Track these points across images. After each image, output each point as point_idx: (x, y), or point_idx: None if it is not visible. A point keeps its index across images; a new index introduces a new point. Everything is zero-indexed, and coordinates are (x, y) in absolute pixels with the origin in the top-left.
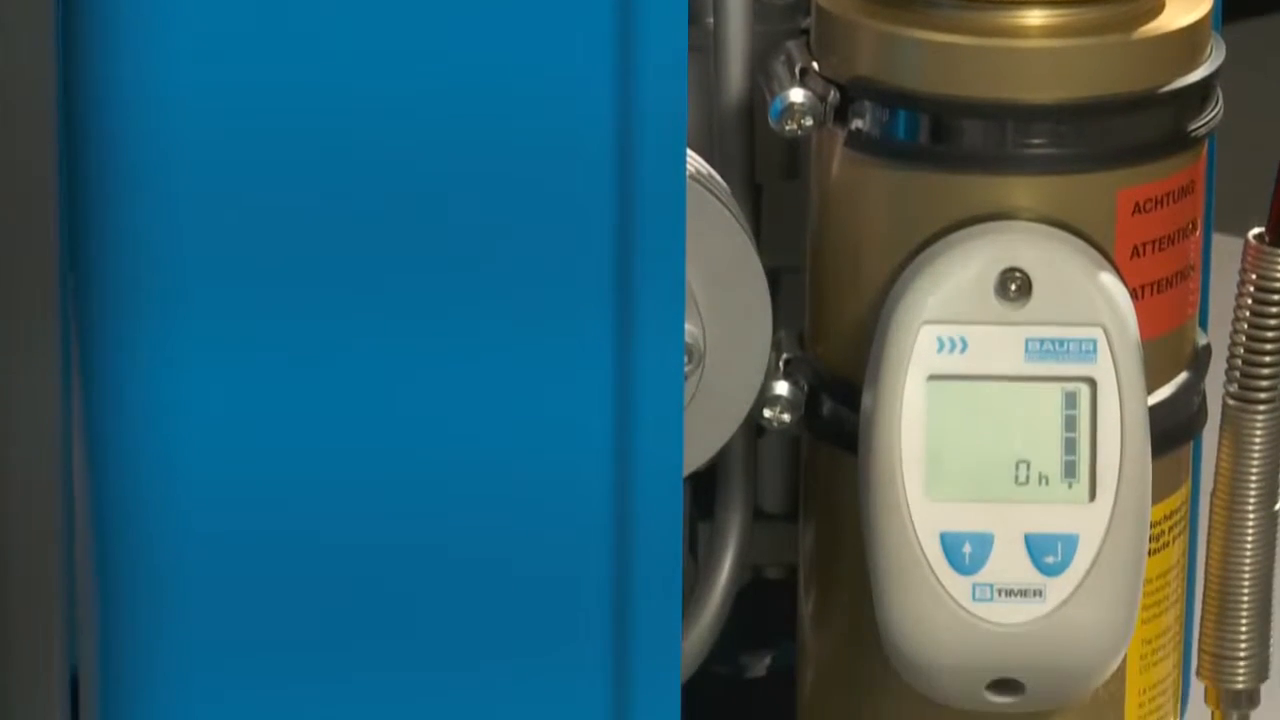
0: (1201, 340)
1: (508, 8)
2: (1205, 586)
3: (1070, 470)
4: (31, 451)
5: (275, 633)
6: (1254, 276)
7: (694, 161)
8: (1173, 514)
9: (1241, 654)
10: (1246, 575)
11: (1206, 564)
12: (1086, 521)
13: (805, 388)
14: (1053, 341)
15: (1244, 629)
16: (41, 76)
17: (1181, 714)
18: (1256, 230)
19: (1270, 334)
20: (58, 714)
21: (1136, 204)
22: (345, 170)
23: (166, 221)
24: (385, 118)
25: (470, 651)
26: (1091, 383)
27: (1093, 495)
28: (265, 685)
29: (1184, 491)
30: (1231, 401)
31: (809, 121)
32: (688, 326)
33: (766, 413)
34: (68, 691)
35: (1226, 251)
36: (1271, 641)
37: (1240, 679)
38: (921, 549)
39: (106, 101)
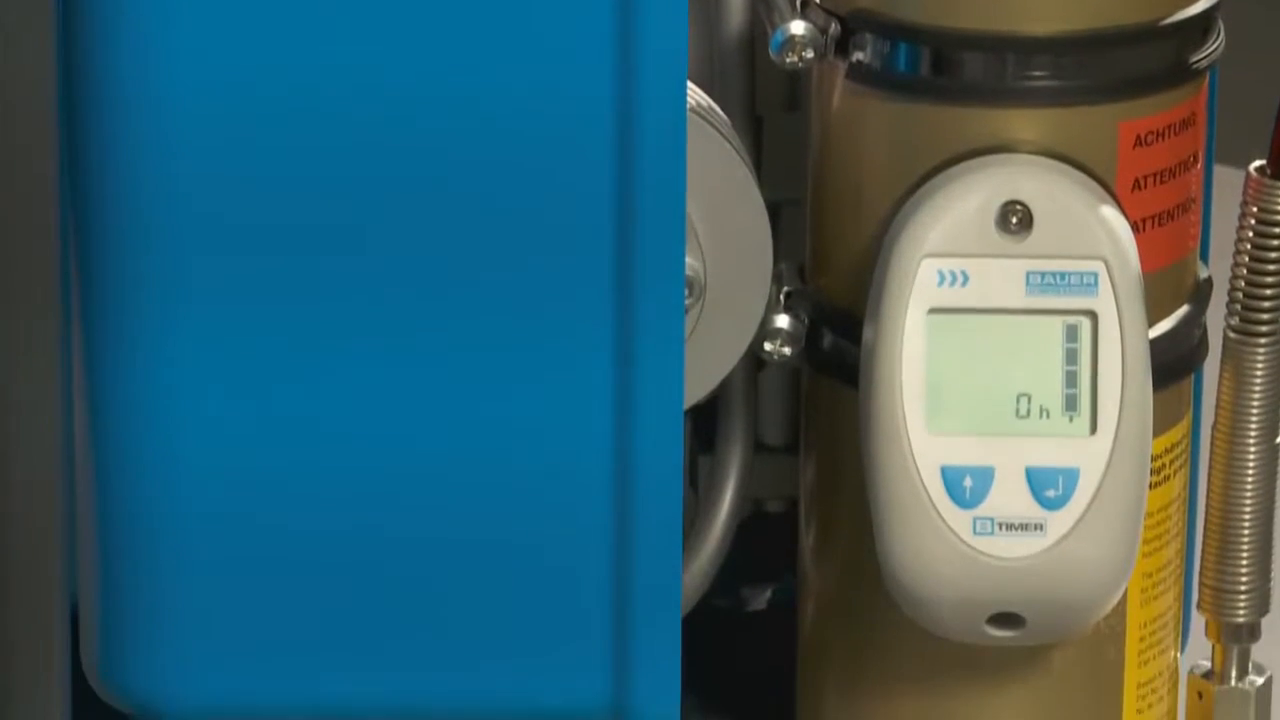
0: (1202, 273)
1: None
2: (1206, 520)
3: (1071, 404)
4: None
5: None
6: (1255, 209)
7: (694, 94)
8: (1173, 447)
9: (1242, 588)
10: (1247, 509)
11: (1207, 497)
12: (1087, 455)
13: (806, 321)
14: (1054, 274)
15: (1245, 562)
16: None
17: (1182, 648)
18: (1258, 163)
19: (1271, 267)
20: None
21: (1138, 136)
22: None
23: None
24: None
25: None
26: (1093, 316)
27: (1094, 429)
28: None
29: (1185, 425)
30: (1232, 334)
31: (809, 54)
32: (688, 260)
33: (767, 346)
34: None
35: (1228, 184)
36: (1272, 575)
37: (1241, 612)
38: (922, 483)
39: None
